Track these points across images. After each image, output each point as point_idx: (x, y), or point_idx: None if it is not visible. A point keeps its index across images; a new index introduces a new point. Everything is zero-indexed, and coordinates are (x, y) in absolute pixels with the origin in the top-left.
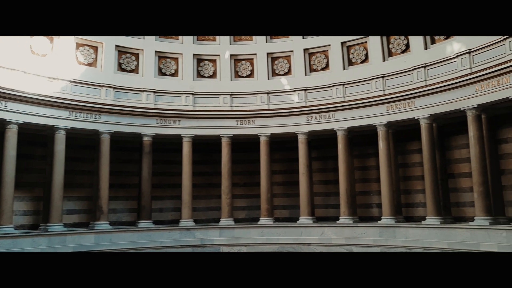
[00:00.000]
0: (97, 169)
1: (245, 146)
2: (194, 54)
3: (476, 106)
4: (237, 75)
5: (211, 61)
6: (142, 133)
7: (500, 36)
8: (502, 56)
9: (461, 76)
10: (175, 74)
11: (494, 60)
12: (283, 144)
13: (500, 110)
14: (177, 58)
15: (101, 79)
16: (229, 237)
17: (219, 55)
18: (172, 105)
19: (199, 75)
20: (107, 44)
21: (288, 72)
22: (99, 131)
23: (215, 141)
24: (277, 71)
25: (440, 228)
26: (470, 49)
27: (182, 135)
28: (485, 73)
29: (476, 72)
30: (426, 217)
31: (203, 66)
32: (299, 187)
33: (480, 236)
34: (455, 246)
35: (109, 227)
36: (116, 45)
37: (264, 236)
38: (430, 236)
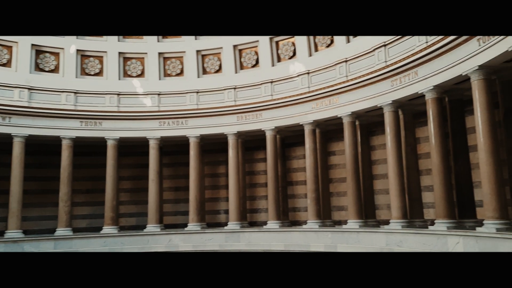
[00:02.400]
0: None
1: (90, 149)
2: (32, 45)
3: (312, 121)
4: (84, 72)
5: (53, 54)
6: None
7: (334, 61)
8: (333, 79)
9: (301, 94)
10: (7, 64)
11: (327, 82)
12: (133, 149)
13: (331, 126)
14: (10, 47)
15: None
16: (66, 248)
17: (63, 48)
18: (2, 100)
19: (38, 68)
20: None
21: (141, 75)
22: None
23: (55, 142)
24: (129, 72)
25: (279, 232)
26: (309, 70)
27: (13, 134)
28: (319, 93)
29: (313, 91)
30: (268, 222)
31: (43, 59)
32: (148, 194)
33: (310, 238)
34: (290, 247)
35: None
36: None
37: (107, 246)
38: (270, 239)
